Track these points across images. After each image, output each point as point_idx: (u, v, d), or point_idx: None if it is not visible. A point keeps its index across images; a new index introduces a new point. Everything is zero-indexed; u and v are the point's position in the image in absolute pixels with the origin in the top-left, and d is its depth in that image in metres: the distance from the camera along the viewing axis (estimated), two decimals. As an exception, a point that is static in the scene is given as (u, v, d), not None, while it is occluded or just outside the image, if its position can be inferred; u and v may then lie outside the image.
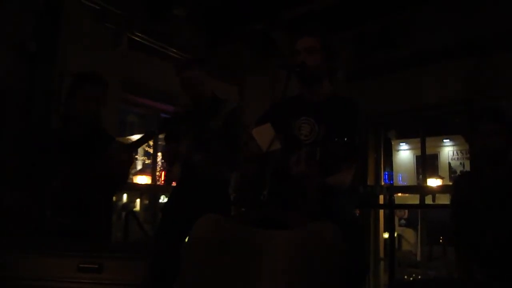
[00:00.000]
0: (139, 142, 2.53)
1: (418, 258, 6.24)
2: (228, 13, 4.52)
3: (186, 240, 1.84)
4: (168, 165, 3.00)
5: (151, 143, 5.17)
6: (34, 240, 1.97)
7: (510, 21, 4.06)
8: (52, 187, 2.22)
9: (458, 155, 9.58)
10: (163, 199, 5.40)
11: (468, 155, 7.37)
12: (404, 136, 9.65)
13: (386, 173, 6.45)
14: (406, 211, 8.38)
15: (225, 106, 2.76)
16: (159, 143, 4.88)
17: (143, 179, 7.11)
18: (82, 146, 2.35)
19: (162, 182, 6.56)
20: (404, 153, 10.19)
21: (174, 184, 3.10)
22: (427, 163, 6.57)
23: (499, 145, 2.09)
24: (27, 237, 2.08)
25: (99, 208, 2.38)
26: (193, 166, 2.71)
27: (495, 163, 2.12)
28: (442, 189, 6.37)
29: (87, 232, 2.20)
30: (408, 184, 9.13)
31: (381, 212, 5.31)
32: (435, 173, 9.01)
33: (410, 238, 7.91)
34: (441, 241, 7.46)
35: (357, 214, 3.98)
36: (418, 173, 8.68)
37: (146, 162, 8.34)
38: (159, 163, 6.45)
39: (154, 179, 5.35)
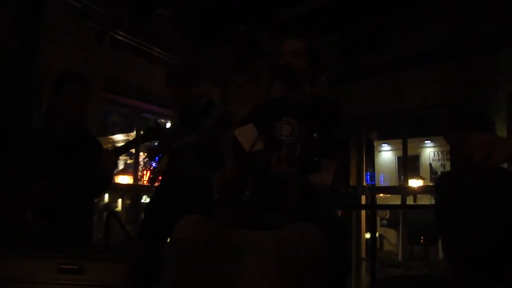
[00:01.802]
0: (122, 149, 2.54)
1: (400, 258, 6.29)
2: (214, 14, 4.51)
3: (168, 240, 1.84)
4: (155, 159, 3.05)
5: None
6: (14, 242, 1.95)
7: (491, 26, 4.13)
8: (35, 188, 2.19)
9: (439, 156, 9.67)
10: (145, 199, 5.37)
11: (449, 156, 7.46)
12: (386, 137, 9.71)
13: (368, 173, 6.50)
14: (388, 211, 8.42)
15: (217, 109, 2.80)
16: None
17: (124, 179, 7.04)
18: (66, 146, 2.33)
19: (144, 182, 6.52)
20: (386, 154, 10.25)
21: (156, 184, 3.09)
22: (408, 164, 6.64)
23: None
24: (7, 239, 2.05)
25: (81, 210, 2.36)
26: (178, 165, 2.71)
27: (476, 170, 2.16)
28: (423, 190, 6.45)
29: (69, 234, 2.18)
30: (390, 185, 9.19)
31: (363, 212, 5.35)
32: (416, 174, 9.08)
33: (391, 238, 7.95)
34: (422, 241, 7.55)
35: (339, 215, 4.01)
36: (399, 174, 8.74)
37: (128, 162, 8.26)
38: (141, 163, 6.41)
39: (136, 179, 5.31)
